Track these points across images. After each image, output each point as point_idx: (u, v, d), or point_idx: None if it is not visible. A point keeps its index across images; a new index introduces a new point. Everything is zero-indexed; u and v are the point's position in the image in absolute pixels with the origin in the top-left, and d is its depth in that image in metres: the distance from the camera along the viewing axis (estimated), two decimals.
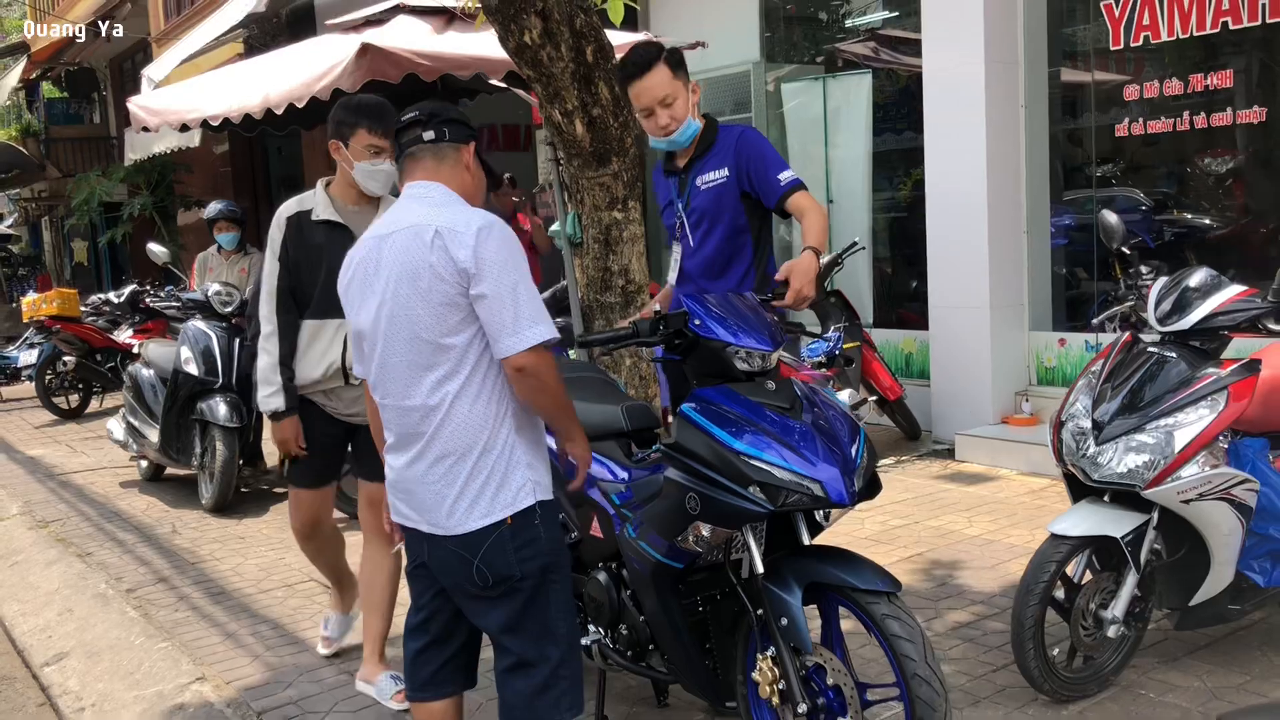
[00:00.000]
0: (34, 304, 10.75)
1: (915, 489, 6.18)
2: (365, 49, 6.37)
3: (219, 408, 6.58)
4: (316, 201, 3.76)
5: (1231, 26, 5.99)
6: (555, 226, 5.85)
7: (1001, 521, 5.44)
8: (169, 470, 7.54)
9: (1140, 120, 6.46)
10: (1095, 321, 3.98)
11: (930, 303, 7.21)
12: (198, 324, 6.92)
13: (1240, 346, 3.70)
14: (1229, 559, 3.36)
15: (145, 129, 8.20)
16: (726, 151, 3.63)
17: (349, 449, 4.00)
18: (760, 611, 2.79)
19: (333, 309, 3.29)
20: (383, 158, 3.63)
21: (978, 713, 3.46)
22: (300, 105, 6.73)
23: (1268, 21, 5.84)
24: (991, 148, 6.76)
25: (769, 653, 2.76)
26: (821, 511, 2.85)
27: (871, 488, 2.81)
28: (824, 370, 6.52)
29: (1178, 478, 3.22)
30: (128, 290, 10.82)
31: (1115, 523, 3.34)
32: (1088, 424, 3.39)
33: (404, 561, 2.83)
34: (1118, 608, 3.35)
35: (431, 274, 2.46)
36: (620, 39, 6.00)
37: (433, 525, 2.57)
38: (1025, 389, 6.98)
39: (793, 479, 2.64)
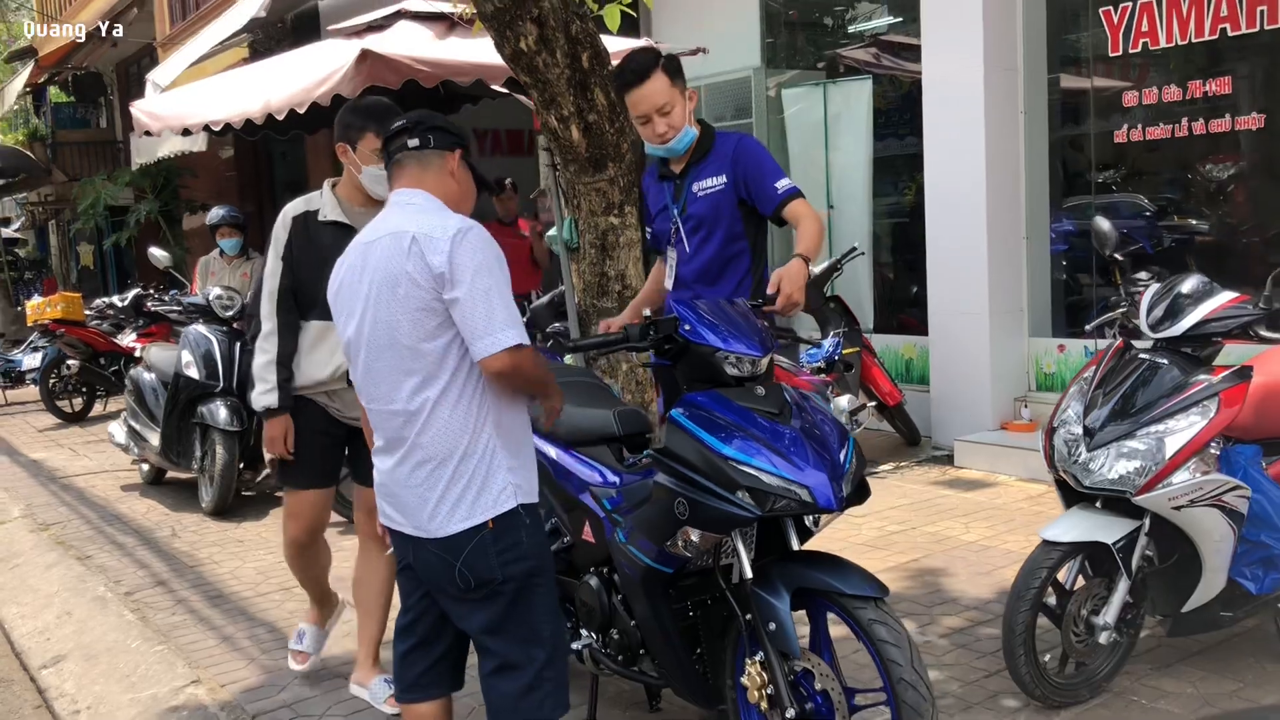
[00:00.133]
0: (38, 308, 10.80)
1: (913, 495, 6.18)
2: (365, 55, 6.39)
3: (219, 411, 6.61)
4: (324, 202, 3.73)
5: (1230, 33, 6.00)
6: (552, 232, 5.87)
7: (998, 527, 5.44)
8: (170, 474, 7.56)
9: (1139, 126, 6.47)
10: (1089, 328, 3.98)
11: (930, 308, 7.21)
12: (199, 328, 6.94)
13: (1243, 354, 3.70)
14: (1221, 566, 3.36)
15: (147, 133, 8.24)
16: (724, 159, 3.63)
17: (346, 453, 4.01)
18: (749, 616, 2.80)
19: None
20: None
21: (969, 718, 3.46)
22: (301, 111, 6.76)
23: (1267, 28, 5.85)
24: (991, 153, 6.77)
25: (757, 657, 2.77)
26: (811, 517, 2.87)
27: (860, 493, 2.82)
28: (823, 376, 6.52)
29: (1169, 484, 3.22)
30: (132, 294, 10.87)
31: (1107, 529, 3.34)
32: (1079, 430, 3.39)
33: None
34: (1109, 614, 3.35)
35: (408, 280, 2.49)
36: (620, 45, 6.02)
37: (416, 528, 2.59)
38: (1025, 395, 6.98)
39: (780, 484, 2.65)
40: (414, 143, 2.67)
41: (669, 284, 3.81)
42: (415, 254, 2.48)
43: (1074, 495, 3.49)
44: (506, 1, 4.25)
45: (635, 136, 4.35)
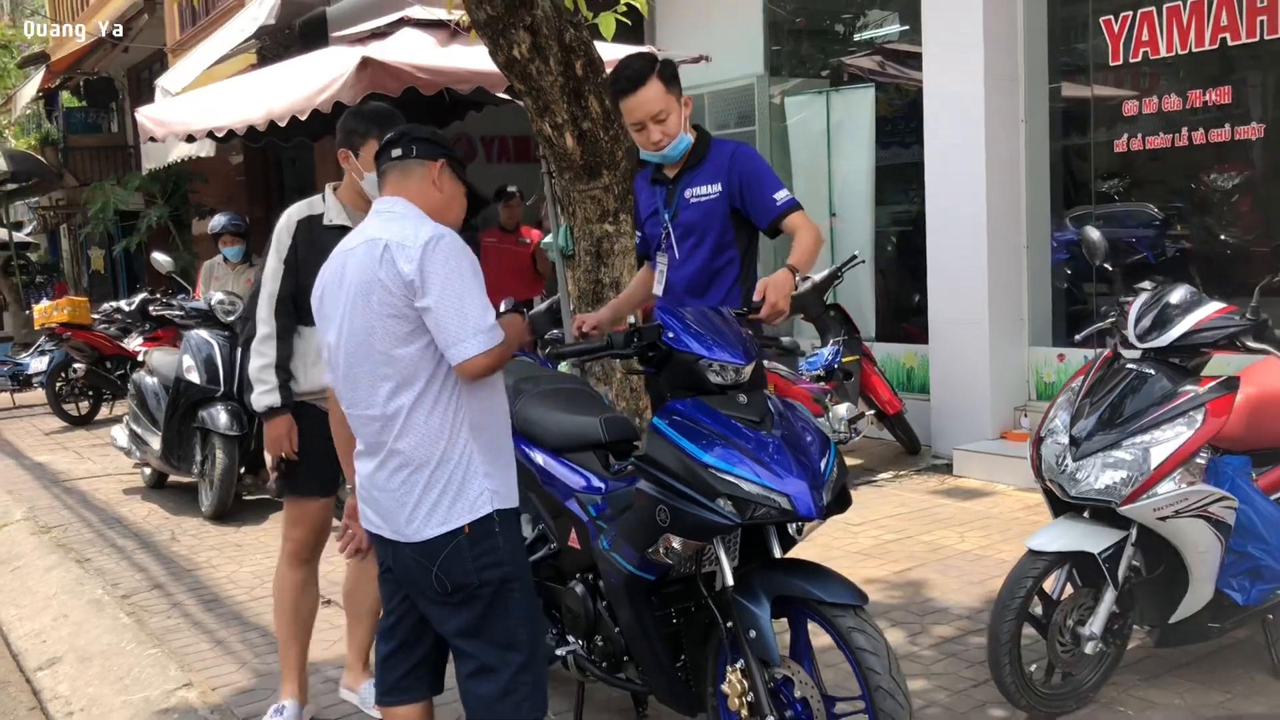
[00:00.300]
0: (45, 311, 10.87)
1: (910, 504, 6.17)
2: (365, 62, 6.42)
3: (220, 416, 6.64)
4: (327, 206, 3.72)
5: (1231, 42, 5.99)
6: (548, 239, 5.89)
7: (994, 537, 5.43)
8: (171, 478, 7.60)
9: (1140, 136, 6.46)
10: (1079, 338, 3.97)
11: (930, 317, 7.21)
12: (200, 333, 6.98)
13: (1239, 366, 3.69)
14: (1207, 576, 3.35)
15: (153, 139, 8.30)
16: (719, 167, 3.61)
17: None
18: (730, 624, 2.80)
19: None
20: None
21: None
22: (303, 118, 6.80)
23: (1267, 37, 5.84)
24: (991, 163, 6.77)
25: (738, 665, 2.78)
26: (793, 525, 2.88)
27: (841, 501, 2.82)
28: (822, 384, 6.52)
29: (1154, 494, 3.21)
30: (138, 298, 10.91)
31: (1093, 539, 3.33)
32: (1066, 440, 3.39)
33: None
34: (1095, 624, 3.34)
35: (381, 287, 2.52)
36: (618, 52, 6.03)
37: (395, 532, 2.62)
38: (1024, 404, 6.96)
39: (761, 492, 2.66)
40: (397, 153, 2.71)
41: (659, 290, 3.81)
42: (387, 261, 2.51)
43: (1062, 505, 3.48)
44: (499, 9, 4.26)
45: (630, 144, 4.35)
